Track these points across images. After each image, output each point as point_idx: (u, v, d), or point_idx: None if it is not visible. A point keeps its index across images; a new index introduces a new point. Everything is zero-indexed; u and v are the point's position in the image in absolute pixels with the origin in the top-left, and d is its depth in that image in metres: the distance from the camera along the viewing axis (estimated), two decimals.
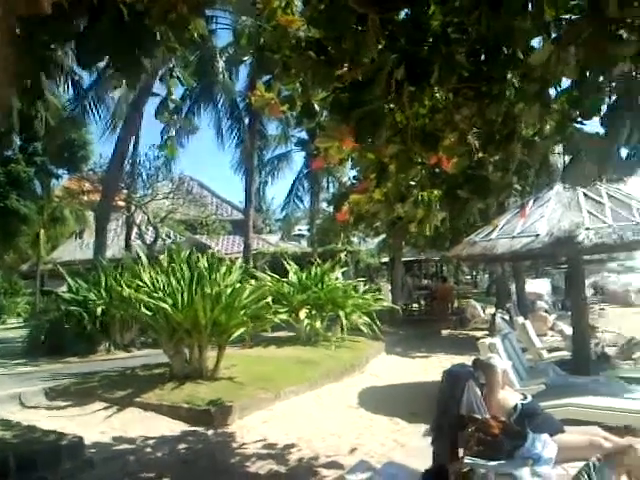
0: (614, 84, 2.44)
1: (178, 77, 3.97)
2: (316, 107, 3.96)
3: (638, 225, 6.68)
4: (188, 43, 3.34)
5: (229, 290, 7.94)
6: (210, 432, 6.19)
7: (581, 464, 3.30)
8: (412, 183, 5.14)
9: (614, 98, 2.48)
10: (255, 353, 9.57)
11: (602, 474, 3.15)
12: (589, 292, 30.92)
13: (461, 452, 3.25)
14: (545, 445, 3.56)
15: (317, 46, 3.33)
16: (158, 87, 12.61)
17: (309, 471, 5.05)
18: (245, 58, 4.14)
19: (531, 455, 3.43)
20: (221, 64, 17.38)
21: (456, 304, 19.18)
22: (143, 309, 7.64)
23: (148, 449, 5.68)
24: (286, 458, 5.37)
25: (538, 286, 21.61)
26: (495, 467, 3.27)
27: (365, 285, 13.52)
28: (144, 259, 8.89)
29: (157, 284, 7.98)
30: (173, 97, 3.80)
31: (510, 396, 4.33)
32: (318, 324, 10.71)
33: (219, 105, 19.65)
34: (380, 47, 3.08)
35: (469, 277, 36.13)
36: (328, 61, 3.31)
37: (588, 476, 3.13)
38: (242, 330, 7.83)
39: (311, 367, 8.80)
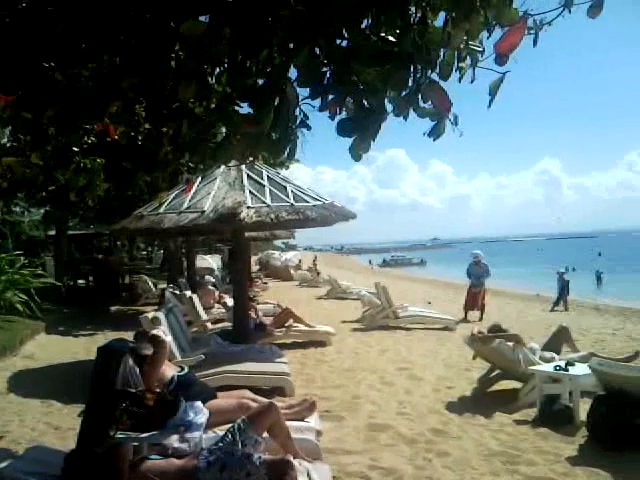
0: (262, 68, 2.55)
1: None
2: None
3: (292, 207, 7.48)
4: None
5: None
6: None
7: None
8: (75, 149, 4.81)
9: (262, 82, 2.60)
10: None
11: (246, 433, 3.43)
12: (256, 267, 33.78)
13: (114, 429, 3.16)
14: (197, 412, 3.72)
15: None
16: None
17: None
18: None
19: (183, 423, 3.55)
20: None
21: (127, 279, 18.77)
22: None
23: None
24: None
25: (210, 261, 22.72)
26: (145, 438, 3.27)
27: (25, 260, 12.24)
28: None
29: None
30: None
31: (168, 369, 4.42)
32: None
33: None
34: None
35: (144, 253, 35.87)
36: None
37: (232, 436, 3.39)
38: None
39: None
